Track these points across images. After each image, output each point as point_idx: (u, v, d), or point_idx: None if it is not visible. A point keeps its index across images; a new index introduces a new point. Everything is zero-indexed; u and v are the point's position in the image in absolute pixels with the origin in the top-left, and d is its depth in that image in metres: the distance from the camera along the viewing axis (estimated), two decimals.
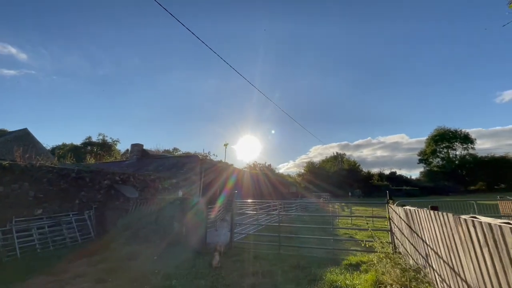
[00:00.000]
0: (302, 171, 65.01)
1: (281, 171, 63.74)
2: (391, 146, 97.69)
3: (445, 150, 50.13)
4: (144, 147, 21.51)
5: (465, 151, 48.40)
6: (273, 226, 10.44)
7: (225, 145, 22.88)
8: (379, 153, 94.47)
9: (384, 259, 5.21)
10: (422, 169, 59.72)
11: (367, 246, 6.60)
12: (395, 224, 6.14)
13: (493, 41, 69.78)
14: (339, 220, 14.30)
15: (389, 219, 6.60)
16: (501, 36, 70.03)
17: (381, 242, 6.39)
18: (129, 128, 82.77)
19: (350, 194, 47.40)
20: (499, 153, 47.45)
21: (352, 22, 68.10)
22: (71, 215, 8.52)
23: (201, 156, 20.23)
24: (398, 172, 56.33)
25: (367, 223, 12.95)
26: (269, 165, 51.09)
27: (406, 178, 53.54)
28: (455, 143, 49.03)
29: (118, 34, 64.85)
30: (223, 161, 22.29)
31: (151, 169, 16.47)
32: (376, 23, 67.80)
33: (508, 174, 44.39)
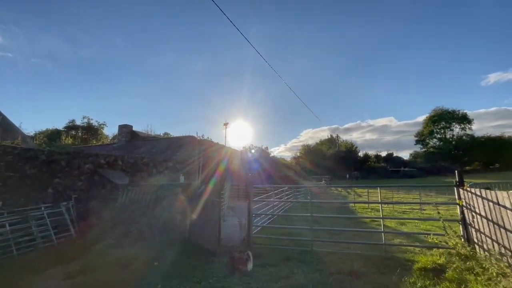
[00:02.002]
0: (298, 154, 64.07)
1: (273, 154, 62.69)
2: (380, 129, 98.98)
3: (442, 131, 49.65)
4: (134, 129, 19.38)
5: (463, 131, 48.08)
6: (293, 215, 8.94)
7: (225, 124, 20.99)
8: (368, 136, 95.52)
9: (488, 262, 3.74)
10: (411, 151, 59.89)
11: (435, 241, 5.15)
12: (478, 214, 4.62)
13: (480, 22, 69.04)
14: (358, 207, 12.97)
15: (464, 206, 5.08)
16: (487, 17, 69.15)
17: (457, 236, 4.93)
18: (116, 113, 78.87)
19: (347, 176, 46.85)
20: (479, 134, 47.80)
21: (341, 6, 65.29)
22: (42, 208, 6.69)
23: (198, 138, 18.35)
24: (383, 155, 56.05)
25: (403, 211, 11.66)
26: (266, 148, 49.63)
27: (403, 159, 53.30)
28: (453, 123, 48.53)
29: (98, 13, 59.64)
30: (220, 143, 20.47)
31: (143, 152, 14.55)
32: (363, 6, 65.29)
33: (503, 154, 44.50)
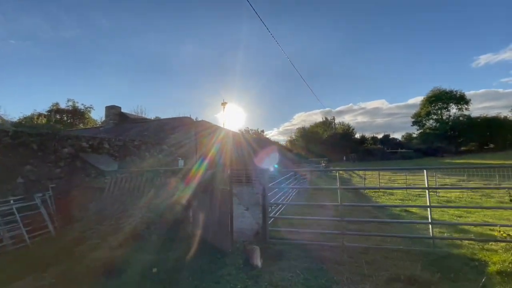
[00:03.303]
0: (293, 137, 63.25)
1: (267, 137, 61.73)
2: (372, 112, 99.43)
3: (439, 112, 49.29)
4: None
5: (460, 112, 47.81)
6: (309, 206, 7.98)
7: (223, 104, 19.51)
8: (359, 118, 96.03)
9: None
10: (403, 133, 59.73)
11: (503, 235, 4.21)
12: None
13: (472, 4, 67.44)
14: (368, 192, 12.15)
15: None
16: None
17: None
18: (103, 97, 75.34)
19: (344, 158, 46.47)
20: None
21: None
22: (11, 202, 5.47)
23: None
24: (379, 137, 55.67)
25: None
26: (262, 131, 48.49)
27: (400, 140, 53.12)
28: (450, 104, 48.10)
29: None
30: (217, 125, 19.13)
31: (133, 135, 13.20)
32: None
33: (499, 135, 44.69)
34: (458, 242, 4.72)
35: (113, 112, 16.76)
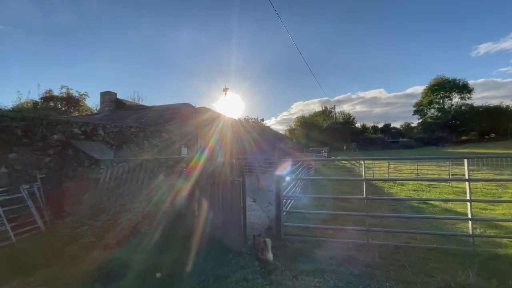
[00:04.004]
0: (292, 126, 62.61)
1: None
2: (370, 101, 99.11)
3: (441, 101, 48.62)
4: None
5: (462, 101, 47.18)
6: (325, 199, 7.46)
7: (225, 90, 18.62)
8: (358, 108, 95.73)
9: None
10: (402, 123, 59.24)
11: None
12: None
13: None
14: (375, 182, 11.68)
15: None
16: None
17: None
18: (98, 85, 73.46)
19: (344, 148, 46.10)
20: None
21: None
22: None
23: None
24: (380, 126, 55.00)
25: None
26: (262, 120, 47.73)
27: (400, 130, 52.65)
28: (453, 92, 47.38)
29: None
30: (218, 112, 18.33)
31: (130, 122, 12.48)
32: None
33: (500, 124, 44.33)
34: (498, 240, 4.22)
35: (108, 98, 15.93)
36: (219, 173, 4.56)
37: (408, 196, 8.39)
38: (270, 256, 3.71)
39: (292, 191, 7.18)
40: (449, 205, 6.92)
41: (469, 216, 4.04)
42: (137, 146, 8.26)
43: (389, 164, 13.49)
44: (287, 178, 5.02)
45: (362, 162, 4.81)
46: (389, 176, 12.99)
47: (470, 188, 3.98)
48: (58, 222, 4.83)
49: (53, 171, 5.97)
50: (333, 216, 5.58)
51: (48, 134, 5.87)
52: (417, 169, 13.21)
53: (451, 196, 8.36)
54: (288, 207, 6.44)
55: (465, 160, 4.13)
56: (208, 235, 4.59)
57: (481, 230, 4.86)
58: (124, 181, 5.27)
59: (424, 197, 8.18)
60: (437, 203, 7.18)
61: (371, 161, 16.32)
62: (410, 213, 6.41)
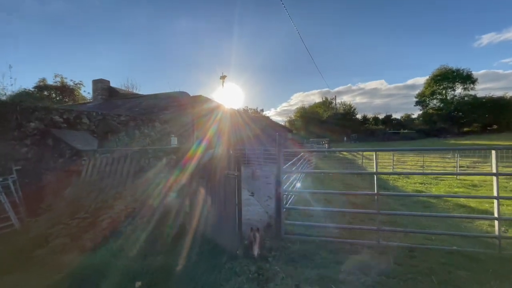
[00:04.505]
0: (292, 117, 61.86)
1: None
2: (370, 92, 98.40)
3: (444, 91, 47.74)
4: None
5: (465, 92, 46.28)
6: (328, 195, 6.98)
7: (222, 77, 17.87)
8: (358, 99, 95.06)
9: None
10: (402, 114, 58.42)
11: None
12: None
13: None
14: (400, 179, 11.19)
15: None
16: None
17: None
18: (93, 73, 72.02)
19: (345, 139, 45.57)
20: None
21: None
22: None
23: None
24: (381, 117, 54.18)
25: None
26: (261, 110, 46.97)
27: (401, 121, 51.98)
28: (456, 83, 46.45)
29: None
30: (216, 101, 17.62)
31: (123, 111, 11.87)
32: None
33: (503, 115, 43.68)
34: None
35: (101, 86, 15.24)
36: (212, 166, 4.04)
37: (416, 190, 7.92)
38: (255, 251, 3.51)
39: (292, 184, 6.69)
40: (461, 199, 6.46)
41: (496, 215, 3.54)
42: (127, 136, 7.71)
43: (393, 156, 12.98)
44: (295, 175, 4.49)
45: (374, 153, 4.27)
46: (393, 168, 12.51)
47: (498, 183, 3.46)
48: (32, 220, 4.33)
49: (31, 163, 5.44)
50: (338, 212, 5.11)
51: (24, 122, 5.31)
52: (423, 161, 12.68)
53: (460, 190, 7.89)
54: (289, 202, 5.96)
55: (493, 152, 3.60)
56: (200, 234, 4.12)
57: (503, 228, 4.39)
58: (107, 174, 4.75)
59: (437, 193, 7.68)
60: (449, 199, 6.71)
61: (373, 153, 15.82)
62: (420, 208, 5.94)
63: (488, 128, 46.01)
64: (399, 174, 9.36)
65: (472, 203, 6.15)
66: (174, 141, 6.60)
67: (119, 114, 7.62)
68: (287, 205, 5.00)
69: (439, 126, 44.05)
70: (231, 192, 3.74)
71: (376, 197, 3.96)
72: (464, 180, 9.59)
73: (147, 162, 4.72)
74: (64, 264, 3.21)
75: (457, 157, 10.59)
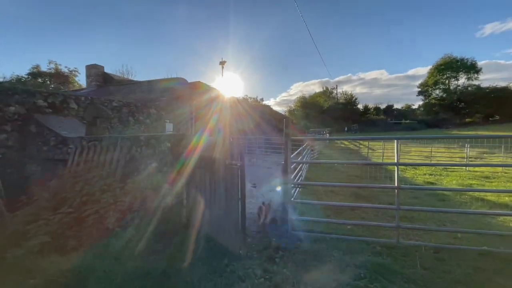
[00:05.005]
0: (292, 106, 61.09)
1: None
2: (370, 83, 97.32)
3: (447, 81, 46.84)
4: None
5: (469, 82, 45.39)
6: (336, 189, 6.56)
7: (222, 63, 17.11)
8: (358, 89, 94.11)
9: None
10: (403, 105, 57.48)
11: None
12: None
13: None
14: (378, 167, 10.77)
15: None
16: None
17: None
18: (88, 60, 70.23)
19: (346, 129, 45.04)
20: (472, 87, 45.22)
21: None
22: None
23: None
24: (383, 107, 53.29)
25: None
26: (261, 99, 46.19)
27: (403, 111, 51.32)
28: (460, 73, 45.49)
29: None
30: (216, 88, 16.94)
31: (118, 98, 11.29)
32: None
33: (506, 106, 43.01)
34: None
35: (94, 72, 14.58)
36: (212, 155, 3.57)
37: (428, 182, 7.49)
38: (265, 220, 4.08)
39: (299, 175, 6.25)
40: (475, 192, 6.06)
41: None
42: (120, 123, 7.20)
43: (399, 146, 12.50)
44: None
45: (395, 143, 3.76)
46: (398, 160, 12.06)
47: None
48: (11, 215, 3.88)
49: (12, 151, 4.95)
50: (345, 205, 4.68)
51: (1, 106, 4.78)
52: (431, 151, 12.23)
53: (473, 182, 7.48)
54: (294, 195, 5.54)
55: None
56: (198, 230, 3.70)
57: None
58: (95, 164, 4.27)
59: (449, 185, 7.25)
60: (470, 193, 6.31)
61: (377, 142, 15.38)
62: (434, 201, 5.54)
63: (490, 119, 45.48)
64: (422, 165, 8.80)
65: (490, 196, 5.74)
66: (169, 127, 6.09)
67: (111, 99, 7.08)
68: (294, 198, 4.56)
69: (441, 116, 43.44)
70: (233, 184, 3.28)
71: (396, 191, 3.51)
72: (474, 171, 9.19)
73: (139, 151, 4.23)
74: (41, 267, 2.78)
75: (467, 148, 10.14)
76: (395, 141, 3.60)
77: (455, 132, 32.50)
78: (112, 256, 3.05)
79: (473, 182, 7.44)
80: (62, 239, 3.22)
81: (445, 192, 6.10)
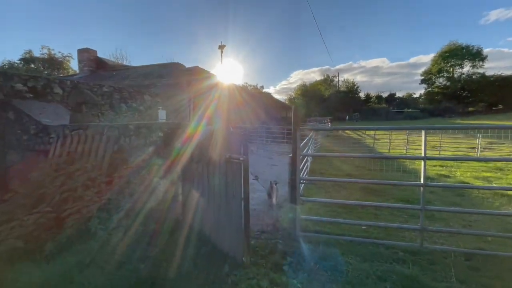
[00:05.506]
0: (293, 94, 60.18)
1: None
2: (371, 71, 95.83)
3: (451, 69, 45.77)
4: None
5: (473, 70, 44.35)
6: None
7: (221, 47, 16.29)
8: (359, 77, 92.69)
9: None
10: (404, 93, 56.43)
11: None
12: None
13: None
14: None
15: None
16: None
17: None
18: (82, 45, 68.20)
19: (347, 117, 44.40)
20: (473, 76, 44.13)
21: None
22: None
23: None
24: (385, 96, 52.32)
25: None
26: (262, 87, 45.25)
27: (405, 99, 50.50)
28: (465, 60, 44.36)
29: None
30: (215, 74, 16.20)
31: (112, 84, 10.68)
32: None
33: (511, 95, 42.28)
34: None
35: (87, 56, 13.84)
36: (210, 147, 3.09)
37: (440, 174, 7.06)
38: (273, 200, 4.40)
39: (305, 167, 5.80)
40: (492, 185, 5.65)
41: None
42: (112, 110, 6.68)
43: (408, 134, 12.08)
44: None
45: (423, 134, 3.27)
46: (406, 151, 11.65)
47: None
48: None
49: None
50: (361, 204, 4.26)
51: None
52: (440, 141, 11.78)
53: (488, 174, 7.07)
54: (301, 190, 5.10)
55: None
56: (195, 231, 3.28)
57: None
58: (79, 155, 3.80)
59: (462, 177, 6.82)
60: (479, 184, 5.90)
61: (381, 131, 14.90)
62: (451, 196, 5.12)
63: (494, 108, 44.87)
64: (453, 159, 8.20)
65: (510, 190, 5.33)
66: (162, 115, 5.55)
67: (101, 84, 6.51)
68: (302, 196, 4.14)
69: (443, 105, 42.73)
70: (234, 181, 2.82)
71: (421, 189, 3.06)
72: (486, 162, 8.77)
73: (127, 141, 3.75)
74: (8, 279, 2.36)
75: (479, 138, 9.68)
76: (422, 131, 3.11)
77: (459, 121, 31.99)
78: (95, 263, 2.63)
79: (488, 174, 7.03)
80: (37, 243, 2.79)
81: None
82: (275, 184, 4.52)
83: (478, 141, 9.62)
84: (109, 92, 6.63)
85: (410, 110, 43.16)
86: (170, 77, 10.41)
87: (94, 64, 13.99)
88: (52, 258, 2.65)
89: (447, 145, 13.24)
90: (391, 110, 44.38)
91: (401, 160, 8.96)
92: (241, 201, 2.79)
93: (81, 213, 3.05)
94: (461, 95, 44.73)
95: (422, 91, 51.95)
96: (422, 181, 3.05)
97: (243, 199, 2.78)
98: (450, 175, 6.96)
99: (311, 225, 3.68)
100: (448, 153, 11.06)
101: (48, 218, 3.02)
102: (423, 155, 3.05)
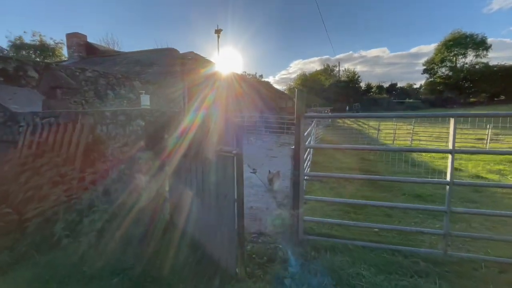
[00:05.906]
0: (292, 84, 59.19)
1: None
2: (371, 61, 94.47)
3: (454, 59, 44.76)
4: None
5: (477, 59, 43.36)
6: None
7: (218, 31, 15.46)
8: (359, 68, 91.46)
9: None
10: (404, 84, 55.39)
11: None
12: None
13: None
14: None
15: None
16: None
17: None
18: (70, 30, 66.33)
19: (347, 108, 43.69)
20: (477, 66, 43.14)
21: None
22: None
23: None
24: (386, 86, 51.33)
25: None
26: (261, 76, 44.31)
27: (407, 90, 49.69)
28: (468, 49, 43.30)
29: None
30: (211, 61, 15.47)
31: (94, 68, 10.04)
32: None
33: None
34: None
35: (76, 41, 13.09)
36: (201, 138, 2.60)
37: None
38: (275, 185, 4.53)
39: (307, 159, 5.33)
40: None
41: None
42: (97, 97, 6.13)
43: (413, 125, 11.60)
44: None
45: (451, 122, 2.78)
46: (411, 143, 11.18)
47: None
48: None
49: None
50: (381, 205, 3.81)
51: None
52: (447, 132, 11.28)
53: (501, 167, 6.64)
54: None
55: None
56: (183, 233, 2.84)
57: None
58: (49, 148, 3.30)
59: (474, 170, 6.38)
60: (496, 179, 5.46)
61: (384, 122, 14.40)
62: (467, 192, 4.68)
63: (496, 98, 44.23)
64: (482, 153, 7.70)
65: None
66: (145, 100, 4.98)
67: (83, 68, 5.94)
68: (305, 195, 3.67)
69: (445, 95, 42.04)
70: (226, 178, 2.35)
71: (447, 187, 2.60)
72: (496, 154, 8.33)
73: (104, 130, 3.24)
74: None
75: (488, 129, 9.22)
76: (451, 119, 2.62)
77: (461, 111, 31.44)
78: (61, 277, 2.19)
79: (501, 167, 6.60)
80: (7, 242, 2.34)
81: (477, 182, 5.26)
82: (277, 171, 4.80)
83: (488, 132, 9.16)
84: (93, 77, 6.06)
85: (411, 100, 42.49)
86: (164, 64, 9.79)
87: (84, 50, 13.26)
88: (5, 271, 2.20)
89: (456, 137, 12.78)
90: (392, 100, 43.68)
91: (407, 152, 8.50)
92: (234, 203, 2.32)
93: (45, 216, 2.58)
94: (463, 86, 43.95)
95: (423, 82, 51.12)
96: (448, 179, 2.59)
97: (236, 200, 2.31)
98: (462, 168, 6.52)
99: (315, 227, 3.25)
100: (456, 145, 10.59)
101: (6, 221, 2.55)
102: (450, 147, 2.57)
